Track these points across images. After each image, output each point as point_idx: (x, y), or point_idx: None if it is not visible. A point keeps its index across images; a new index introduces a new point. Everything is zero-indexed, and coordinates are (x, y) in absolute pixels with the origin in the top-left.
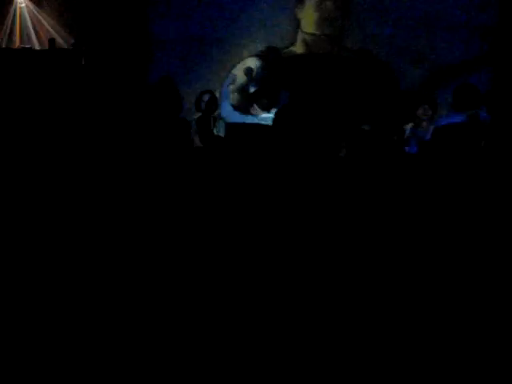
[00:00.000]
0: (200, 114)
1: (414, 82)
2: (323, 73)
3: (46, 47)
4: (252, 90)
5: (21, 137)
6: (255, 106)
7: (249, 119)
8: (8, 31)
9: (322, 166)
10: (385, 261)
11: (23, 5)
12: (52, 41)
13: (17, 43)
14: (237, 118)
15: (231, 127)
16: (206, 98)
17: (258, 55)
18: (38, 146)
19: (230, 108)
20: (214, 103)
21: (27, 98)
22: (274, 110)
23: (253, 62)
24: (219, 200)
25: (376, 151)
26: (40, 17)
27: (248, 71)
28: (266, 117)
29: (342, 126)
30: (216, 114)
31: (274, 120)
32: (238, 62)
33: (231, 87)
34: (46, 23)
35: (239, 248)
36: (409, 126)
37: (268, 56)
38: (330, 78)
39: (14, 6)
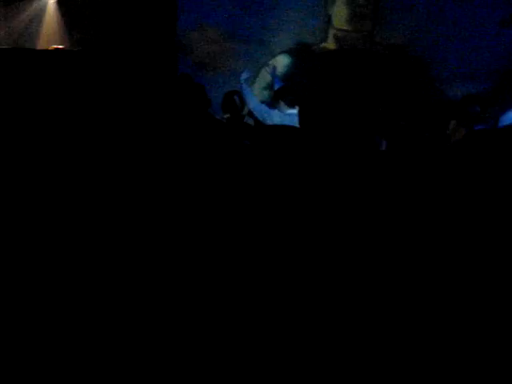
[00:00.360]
0: (228, 115)
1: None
2: (355, 68)
3: (75, 47)
4: (277, 86)
5: (56, 136)
6: (281, 102)
7: (275, 113)
8: (34, 31)
9: (362, 161)
10: (438, 259)
11: (52, 1)
12: (84, 40)
13: (44, 43)
14: (264, 112)
15: (262, 128)
16: (235, 98)
17: (289, 52)
18: (73, 141)
19: (257, 103)
20: (241, 103)
21: (65, 96)
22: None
23: (284, 59)
24: (256, 198)
25: (418, 146)
26: (66, 15)
27: (273, 69)
28: (292, 112)
29: (379, 120)
30: (244, 112)
31: (301, 115)
32: (269, 59)
33: (259, 83)
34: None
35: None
36: (453, 122)
37: (299, 52)
38: (362, 73)
39: (40, 6)
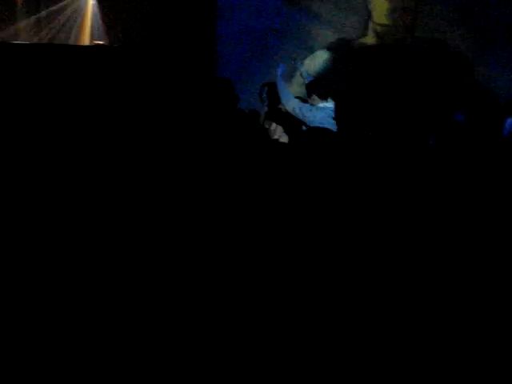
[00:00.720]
0: (266, 108)
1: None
2: (396, 63)
3: (117, 43)
4: (308, 80)
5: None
6: (313, 95)
7: (307, 107)
8: (78, 27)
9: (410, 157)
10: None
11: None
12: (125, 36)
13: (86, 40)
14: (297, 106)
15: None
16: (266, 90)
17: (328, 47)
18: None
19: (291, 97)
20: (270, 96)
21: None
22: (331, 100)
23: (323, 55)
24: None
25: (468, 143)
26: (108, 12)
27: (300, 64)
28: (324, 106)
29: (422, 116)
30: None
31: (338, 110)
32: (309, 55)
33: (297, 79)
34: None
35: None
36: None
37: (338, 48)
38: (403, 68)
39: (82, 4)
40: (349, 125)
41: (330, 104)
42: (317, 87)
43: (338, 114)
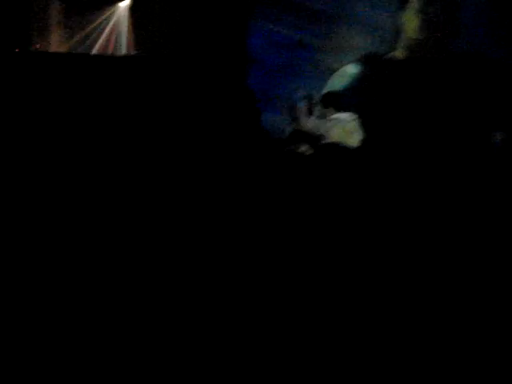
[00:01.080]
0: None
1: None
2: (427, 78)
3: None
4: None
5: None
6: (329, 107)
7: (322, 122)
8: (110, 37)
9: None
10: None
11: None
12: (156, 46)
13: (118, 49)
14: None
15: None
16: (301, 104)
17: (358, 61)
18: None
19: (310, 120)
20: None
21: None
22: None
23: (353, 68)
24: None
25: None
26: (140, 22)
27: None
28: (337, 117)
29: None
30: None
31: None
32: (339, 68)
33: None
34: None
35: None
36: None
37: (368, 61)
38: (434, 82)
39: (112, 13)
40: (373, 137)
41: (344, 115)
42: (334, 100)
43: (363, 126)
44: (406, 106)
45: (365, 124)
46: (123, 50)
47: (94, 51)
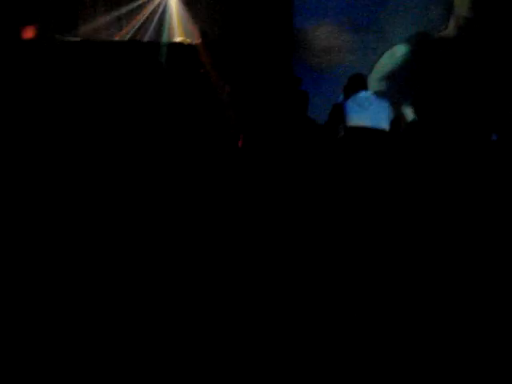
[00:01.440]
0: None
1: None
2: (476, 58)
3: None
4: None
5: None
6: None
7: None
8: (157, 25)
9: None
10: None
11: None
12: (204, 33)
13: (165, 37)
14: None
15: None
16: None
17: (408, 41)
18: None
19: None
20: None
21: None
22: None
23: (402, 48)
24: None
25: None
26: (188, 10)
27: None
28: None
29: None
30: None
31: (416, 103)
32: (388, 49)
33: (376, 73)
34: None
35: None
36: None
37: (418, 41)
38: (482, 63)
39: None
40: (423, 115)
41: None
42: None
43: (415, 105)
44: (456, 87)
45: (416, 105)
46: (171, 39)
47: (140, 38)
